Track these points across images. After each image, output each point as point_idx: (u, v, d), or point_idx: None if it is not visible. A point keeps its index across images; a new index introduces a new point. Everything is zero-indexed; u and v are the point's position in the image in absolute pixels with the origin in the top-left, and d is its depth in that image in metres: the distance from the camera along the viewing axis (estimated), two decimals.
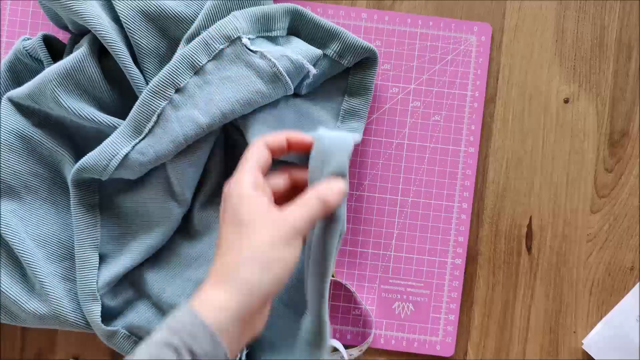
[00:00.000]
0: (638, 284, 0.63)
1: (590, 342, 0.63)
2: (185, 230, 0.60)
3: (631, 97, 0.64)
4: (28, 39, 0.60)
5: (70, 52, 0.59)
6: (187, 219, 0.60)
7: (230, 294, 0.43)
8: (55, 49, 0.60)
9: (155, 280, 0.58)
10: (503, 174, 0.64)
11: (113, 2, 0.56)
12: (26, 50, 0.60)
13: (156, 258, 0.59)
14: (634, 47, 0.64)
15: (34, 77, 0.59)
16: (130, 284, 0.59)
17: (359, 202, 0.63)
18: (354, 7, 0.64)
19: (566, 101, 0.64)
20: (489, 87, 0.64)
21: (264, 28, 0.57)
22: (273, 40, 0.57)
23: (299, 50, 0.57)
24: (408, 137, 0.64)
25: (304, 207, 0.46)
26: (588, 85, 0.64)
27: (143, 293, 0.59)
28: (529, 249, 0.64)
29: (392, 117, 0.64)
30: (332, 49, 0.59)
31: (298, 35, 0.59)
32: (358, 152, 0.63)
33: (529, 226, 0.64)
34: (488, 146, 0.64)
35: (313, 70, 0.57)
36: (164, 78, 0.54)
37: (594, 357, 0.63)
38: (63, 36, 0.62)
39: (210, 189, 0.60)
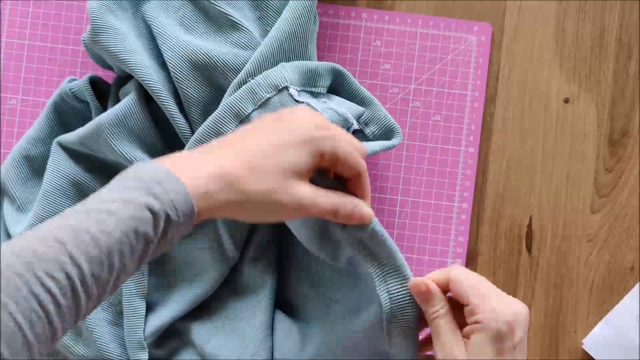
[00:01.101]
0: (638, 284, 0.63)
1: (590, 342, 0.63)
2: (232, 282, 0.60)
3: (631, 97, 0.64)
4: (73, 80, 0.61)
5: (116, 94, 0.60)
6: (234, 271, 0.60)
7: (219, 184, 0.42)
8: (99, 88, 0.61)
9: (199, 330, 0.58)
10: (503, 174, 0.64)
11: (162, 50, 0.56)
12: (72, 92, 0.60)
13: (202, 308, 0.59)
14: (634, 47, 0.64)
15: (79, 118, 0.60)
16: (176, 333, 0.59)
17: None
18: (354, 7, 0.64)
19: (566, 101, 0.64)
20: (489, 87, 0.64)
21: (309, 83, 0.57)
22: (316, 95, 0.57)
23: (344, 105, 0.57)
24: (408, 137, 0.64)
25: (322, 201, 0.45)
26: (588, 85, 0.64)
27: (188, 342, 0.58)
28: (529, 249, 0.64)
29: (392, 117, 0.64)
30: (362, 116, 0.59)
31: (337, 95, 0.59)
32: None
33: (529, 226, 0.64)
34: (488, 146, 0.64)
35: (356, 125, 0.57)
36: (209, 127, 0.54)
37: (594, 357, 0.63)
38: (102, 73, 0.62)
39: (259, 243, 0.59)
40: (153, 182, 0.40)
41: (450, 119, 0.64)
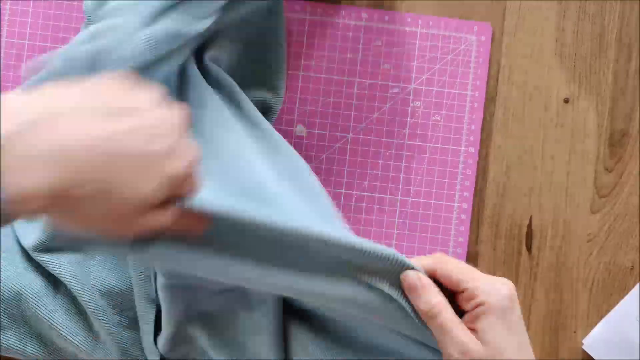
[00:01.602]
0: (638, 284, 0.63)
1: (590, 342, 0.63)
2: (243, 296, 0.58)
3: (631, 97, 0.64)
4: None
5: None
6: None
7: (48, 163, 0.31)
8: None
9: (207, 339, 0.57)
10: (503, 174, 0.64)
11: None
12: None
13: (212, 322, 0.58)
14: (634, 47, 0.64)
15: None
16: (187, 339, 0.58)
17: (359, 202, 0.63)
18: (354, 7, 0.64)
19: (566, 101, 0.64)
20: (489, 87, 0.64)
21: None
22: None
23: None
24: (408, 137, 0.64)
25: None
26: (588, 85, 0.64)
27: (198, 348, 0.58)
28: (529, 249, 0.64)
29: (392, 117, 0.64)
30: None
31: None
32: (358, 152, 0.63)
33: (529, 226, 0.64)
34: (488, 146, 0.64)
35: None
36: None
37: (594, 357, 0.63)
38: None
39: None
40: None
41: (450, 119, 0.64)
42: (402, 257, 0.45)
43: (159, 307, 0.57)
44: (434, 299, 0.44)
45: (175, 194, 0.39)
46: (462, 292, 0.45)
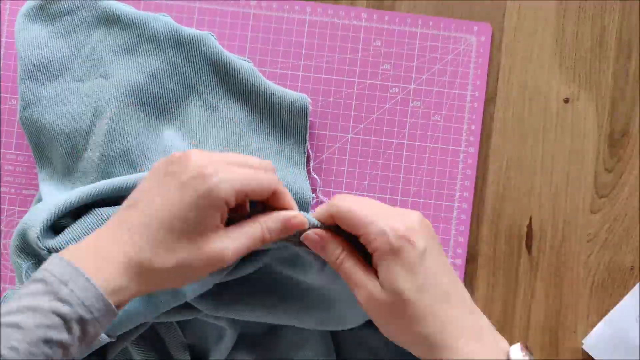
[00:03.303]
0: (638, 284, 0.63)
1: (590, 342, 0.63)
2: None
3: (631, 97, 0.64)
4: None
5: None
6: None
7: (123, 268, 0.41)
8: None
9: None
10: (503, 174, 0.64)
11: None
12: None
13: (256, 342, 0.58)
14: (634, 47, 0.64)
15: None
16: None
17: None
18: (354, 7, 0.64)
19: (566, 101, 0.64)
20: (489, 87, 0.64)
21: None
22: None
23: None
24: (408, 137, 0.64)
25: (241, 238, 0.43)
26: (588, 85, 0.64)
27: None
28: (529, 249, 0.64)
29: (392, 117, 0.64)
30: None
31: None
32: (358, 152, 0.63)
33: (529, 226, 0.64)
34: (488, 146, 0.64)
35: None
36: None
37: (594, 357, 0.63)
38: None
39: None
40: (59, 284, 0.38)
41: (450, 119, 0.64)
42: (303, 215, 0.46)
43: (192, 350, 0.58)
44: (336, 250, 0.45)
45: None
46: (359, 237, 0.44)
